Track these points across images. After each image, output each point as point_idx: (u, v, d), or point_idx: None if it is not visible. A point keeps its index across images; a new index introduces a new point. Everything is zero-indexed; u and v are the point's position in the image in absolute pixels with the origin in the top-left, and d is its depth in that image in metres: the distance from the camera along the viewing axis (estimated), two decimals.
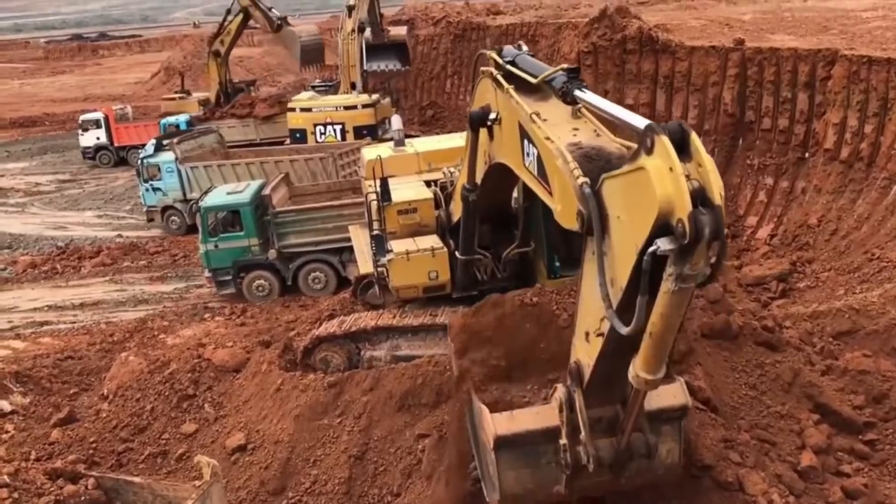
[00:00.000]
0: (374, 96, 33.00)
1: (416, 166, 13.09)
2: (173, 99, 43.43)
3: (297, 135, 32.82)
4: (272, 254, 20.79)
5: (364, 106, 31.43)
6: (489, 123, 9.10)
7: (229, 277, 20.90)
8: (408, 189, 12.51)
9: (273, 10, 38.90)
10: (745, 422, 11.26)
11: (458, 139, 13.12)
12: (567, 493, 6.88)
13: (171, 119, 37.55)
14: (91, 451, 12.18)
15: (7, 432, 13.81)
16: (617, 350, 5.94)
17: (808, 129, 21.14)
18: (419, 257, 12.09)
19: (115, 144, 40.47)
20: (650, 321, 5.33)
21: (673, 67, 23.53)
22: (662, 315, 5.26)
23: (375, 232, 12.90)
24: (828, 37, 24.36)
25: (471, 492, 10.11)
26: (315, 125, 31.83)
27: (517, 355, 7.98)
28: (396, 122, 15.10)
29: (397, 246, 12.57)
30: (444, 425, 10.65)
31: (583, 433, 6.51)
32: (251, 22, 39.41)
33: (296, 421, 11.14)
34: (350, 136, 31.07)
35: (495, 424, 6.92)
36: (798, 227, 20.18)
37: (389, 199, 12.22)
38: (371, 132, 30.76)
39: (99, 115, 41.41)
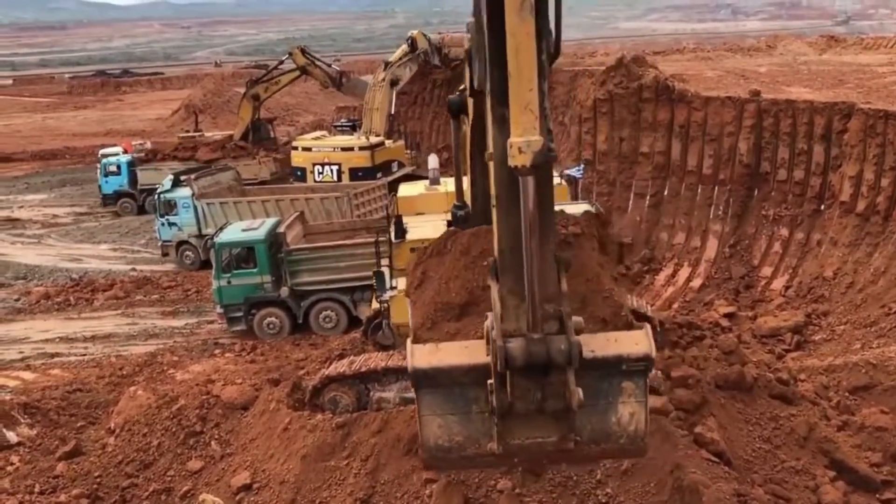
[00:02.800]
0: (389, 142, 33.50)
1: (446, 205, 13.10)
2: (192, 137, 44.04)
3: (298, 173, 33.38)
4: (284, 291, 20.81)
5: (361, 148, 31.86)
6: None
7: (241, 314, 20.91)
8: (426, 227, 12.54)
9: (333, 65, 39.74)
10: (758, 476, 11.05)
11: None
12: (501, 451, 5.61)
13: (112, 159, 38.38)
14: (95, 486, 12.06)
15: (13, 464, 13.72)
16: (505, 195, 5.31)
17: (823, 181, 21.14)
18: None
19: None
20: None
21: (689, 117, 23.67)
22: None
23: (377, 269, 12.89)
24: (844, 90, 24.50)
25: None
26: (314, 164, 32.34)
27: (476, 292, 6.55)
28: (433, 161, 15.19)
29: (402, 283, 12.59)
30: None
31: (494, 331, 5.29)
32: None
33: (302, 461, 11.01)
34: (346, 178, 31.49)
35: (414, 356, 5.69)
36: (813, 279, 20.04)
37: (402, 236, 12.28)
38: (367, 174, 31.10)
39: (118, 150, 42.01)
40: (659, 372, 12.09)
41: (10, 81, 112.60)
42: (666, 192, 24.14)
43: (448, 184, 13.97)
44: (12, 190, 45.65)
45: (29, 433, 14.91)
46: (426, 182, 14.58)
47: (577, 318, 5.43)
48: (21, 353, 20.62)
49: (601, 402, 5.61)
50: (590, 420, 5.62)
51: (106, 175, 37.61)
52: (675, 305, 20.72)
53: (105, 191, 37.78)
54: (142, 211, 36.39)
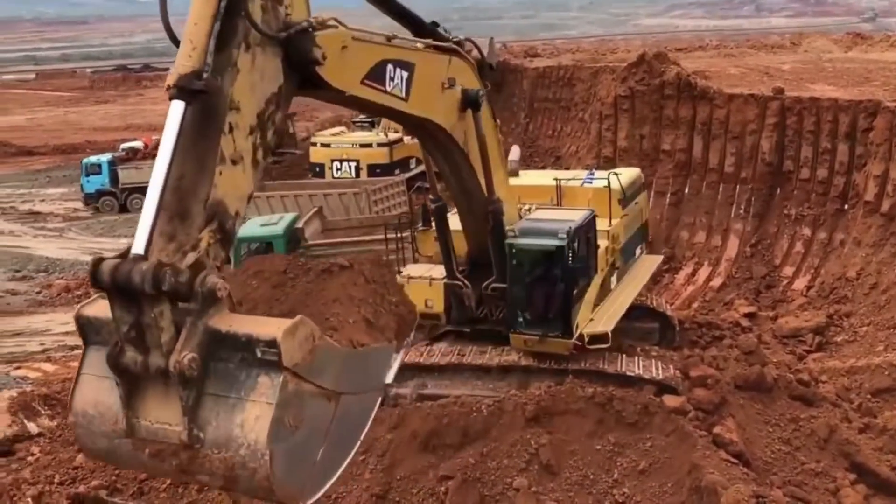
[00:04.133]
0: (407, 138, 33.38)
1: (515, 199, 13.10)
2: None
3: (317, 168, 33.35)
4: None
5: (379, 145, 31.80)
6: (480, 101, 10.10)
7: None
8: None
9: None
10: (778, 478, 10.93)
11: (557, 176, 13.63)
12: (129, 430, 5.24)
13: (93, 158, 39.01)
14: (114, 478, 12.12)
15: (33, 455, 13.85)
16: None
17: (847, 180, 20.85)
18: (418, 284, 12.50)
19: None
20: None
21: (711, 114, 23.43)
22: None
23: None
24: (869, 88, 24.13)
25: None
26: (332, 160, 32.33)
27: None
28: (514, 153, 15.14)
29: (409, 269, 13.24)
30: (468, 468, 10.47)
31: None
32: None
33: None
34: (364, 174, 31.45)
35: (85, 306, 5.58)
36: (836, 279, 19.78)
37: (427, 224, 12.41)
38: (385, 170, 31.04)
39: (139, 144, 42.28)
40: (677, 371, 11.99)
41: (33, 76, 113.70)
42: (687, 191, 23.91)
43: (527, 177, 13.93)
44: (34, 183, 46.10)
45: (49, 424, 15.05)
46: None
47: (218, 280, 5.25)
48: (42, 345, 20.80)
49: (233, 396, 5.16)
50: (217, 415, 5.15)
51: (87, 175, 37.78)
52: (695, 305, 20.53)
53: (87, 190, 37.85)
54: (123, 209, 36.80)
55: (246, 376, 5.24)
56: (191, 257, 5.53)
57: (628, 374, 11.60)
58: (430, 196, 12.33)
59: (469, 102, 10.23)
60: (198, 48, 6.10)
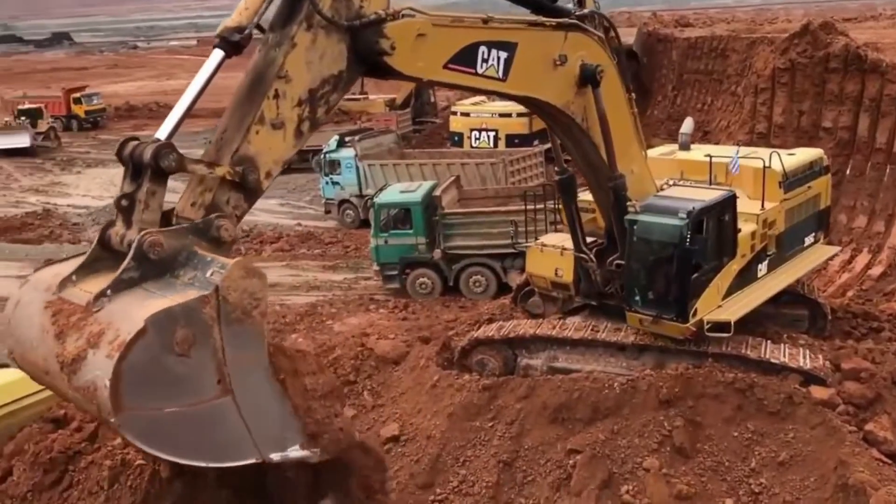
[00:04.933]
0: None
1: (669, 172, 12.82)
2: (357, 100, 45.48)
3: (455, 138, 33.56)
4: (437, 254, 21.22)
5: (519, 115, 31.52)
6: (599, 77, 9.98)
7: (395, 273, 21.58)
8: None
9: None
10: None
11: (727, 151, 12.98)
12: (56, 290, 6.20)
13: None
14: None
15: None
16: None
17: None
18: (550, 252, 12.63)
19: None
20: None
21: (881, 90, 21.64)
22: None
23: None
24: None
25: None
26: (471, 130, 32.42)
27: None
28: (687, 125, 14.83)
29: (545, 238, 13.44)
30: (597, 443, 10.37)
31: None
32: None
33: (449, 419, 11.25)
34: (502, 144, 31.32)
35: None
36: None
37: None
38: (524, 141, 30.77)
39: None
40: (827, 362, 11.30)
41: (195, 42, 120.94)
42: (848, 171, 22.31)
43: (700, 152, 13.23)
44: (193, 144, 49.04)
45: None
46: (676, 146, 14.17)
47: (225, 222, 6.32)
48: None
49: (156, 293, 5.84)
50: (132, 300, 5.77)
51: None
52: (850, 293, 19.17)
53: None
54: None
55: (182, 285, 5.87)
56: (207, 197, 6.50)
57: (772, 360, 11.03)
58: (556, 168, 12.28)
59: (587, 78, 10.01)
60: (250, 8, 6.80)
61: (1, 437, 8.82)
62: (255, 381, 5.98)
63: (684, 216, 10.56)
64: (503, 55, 8.82)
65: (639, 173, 11.34)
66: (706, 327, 10.97)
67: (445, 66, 8.33)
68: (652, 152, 14.01)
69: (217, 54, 6.77)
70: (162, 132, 6.51)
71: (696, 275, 10.96)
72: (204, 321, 5.62)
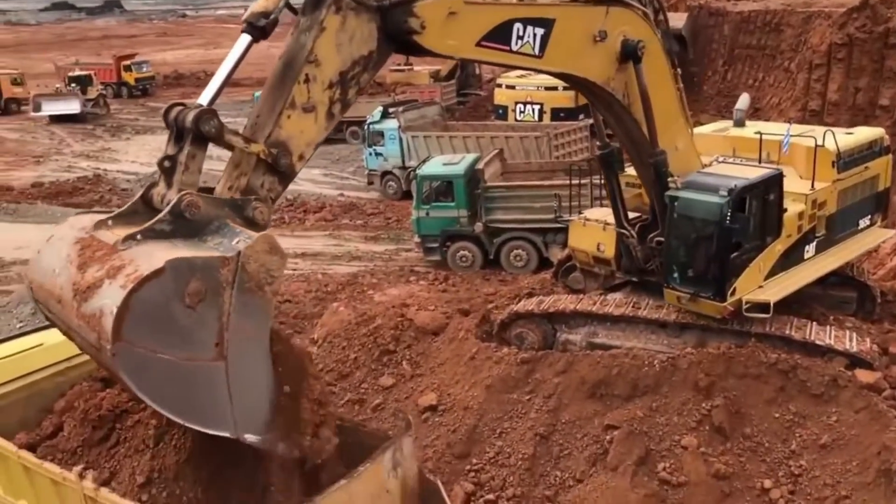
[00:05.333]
0: None
1: (721, 149, 12.64)
2: (401, 70, 45.39)
3: (500, 110, 33.24)
4: (478, 227, 21.19)
5: (565, 88, 31.04)
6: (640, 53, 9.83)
7: (436, 245, 21.62)
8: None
9: None
10: None
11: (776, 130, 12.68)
12: (92, 229, 6.57)
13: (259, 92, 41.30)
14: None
15: None
16: None
17: None
18: (593, 226, 12.62)
19: None
20: None
21: None
22: None
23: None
24: None
25: (655, 491, 9.79)
26: (516, 103, 32.10)
27: None
28: (743, 101, 14.59)
29: (588, 212, 13.46)
30: (635, 420, 10.35)
31: None
32: None
33: (486, 391, 11.33)
34: (547, 118, 30.95)
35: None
36: None
37: (620, 168, 12.34)
38: (569, 115, 30.38)
39: None
40: (875, 345, 11.07)
41: (242, 11, 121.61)
42: None
43: (753, 129, 12.85)
44: (240, 113, 49.68)
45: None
46: (730, 123, 13.90)
47: (261, 205, 6.67)
48: None
49: (180, 245, 6.18)
50: (154, 247, 6.08)
51: None
52: None
53: None
54: None
55: (207, 248, 6.13)
56: (243, 181, 6.72)
57: (817, 342, 10.84)
58: (597, 143, 12.24)
59: (628, 54, 9.87)
60: None
61: (52, 394, 9.11)
62: (250, 356, 6.12)
63: (725, 194, 10.39)
64: (539, 31, 8.76)
65: (683, 150, 11.19)
66: (745, 307, 10.81)
67: (478, 44, 8.32)
68: (705, 128, 13.79)
69: (244, 38, 6.99)
70: (204, 98, 6.78)
71: (735, 254, 10.80)
72: (219, 281, 5.85)
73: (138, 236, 6.11)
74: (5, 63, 67.58)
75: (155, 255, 5.82)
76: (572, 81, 10.36)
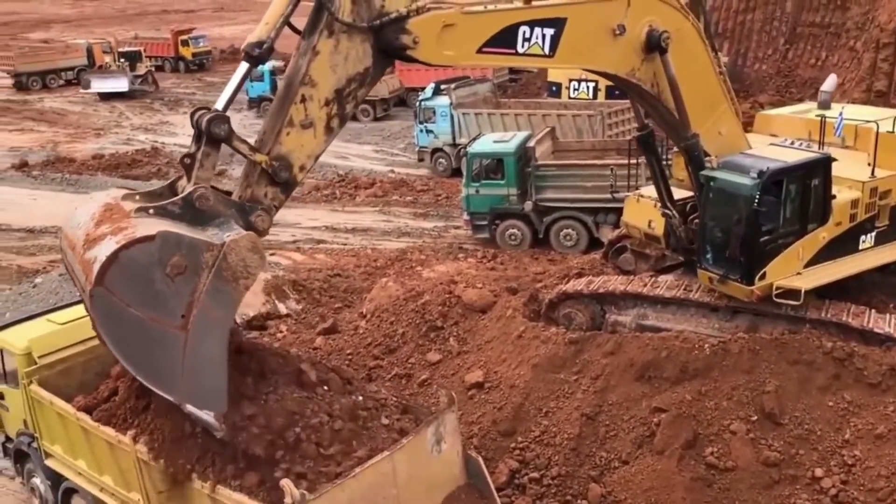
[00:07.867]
0: None
1: (797, 132, 12.42)
2: None
3: (553, 88, 32.76)
4: (528, 205, 21.06)
5: None
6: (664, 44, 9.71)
7: (485, 223, 21.58)
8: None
9: None
10: None
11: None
12: (123, 198, 7.93)
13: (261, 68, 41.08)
14: (347, 362, 13.34)
15: (281, 332, 15.59)
16: None
17: None
18: (646, 203, 12.61)
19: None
20: None
21: None
22: None
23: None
24: None
25: (702, 476, 9.69)
26: (570, 80, 31.58)
27: None
28: (829, 82, 14.30)
29: (643, 189, 13.47)
30: (684, 403, 10.24)
31: None
32: None
33: (533, 370, 11.32)
34: (601, 95, 30.38)
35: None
36: None
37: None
38: (624, 93, 29.71)
39: None
40: None
41: None
42: None
43: (840, 110, 12.44)
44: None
45: (296, 307, 16.81)
46: (814, 104, 13.52)
47: (262, 214, 7.70)
48: (293, 236, 23.04)
49: (184, 225, 7.38)
50: (163, 222, 7.27)
51: (252, 81, 39.63)
52: None
53: (251, 95, 40.27)
54: None
55: (203, 233, 7.12)
56: (248, 192, 7.61)
57: (876, 330, 10.54)
58: (636, 125, 12.22)
59: (653, 46, 9.77)
60: (269, 24, 7.60)
61: (109, 359, 9.40)
62: (210, 336, 6.88)
63: (755, 176, 10.17)
64: (549, 32, 8.86)
65: (728, 134, 11.07)
66: (775, 293, 10.56)
67: (480, 51, 8.51)
68: (786, 109, 13.47)
69: (244, 65, 7.79)
70: (220, 103, 7.60)
71: (767, 237, 10.56)
72: (200, 262, 6.78)
73: (150, 210, 7.17)
74: (68, 36, 69.23)
75: (154, 226, 6.83)
76: (593, 72, 10.35)
